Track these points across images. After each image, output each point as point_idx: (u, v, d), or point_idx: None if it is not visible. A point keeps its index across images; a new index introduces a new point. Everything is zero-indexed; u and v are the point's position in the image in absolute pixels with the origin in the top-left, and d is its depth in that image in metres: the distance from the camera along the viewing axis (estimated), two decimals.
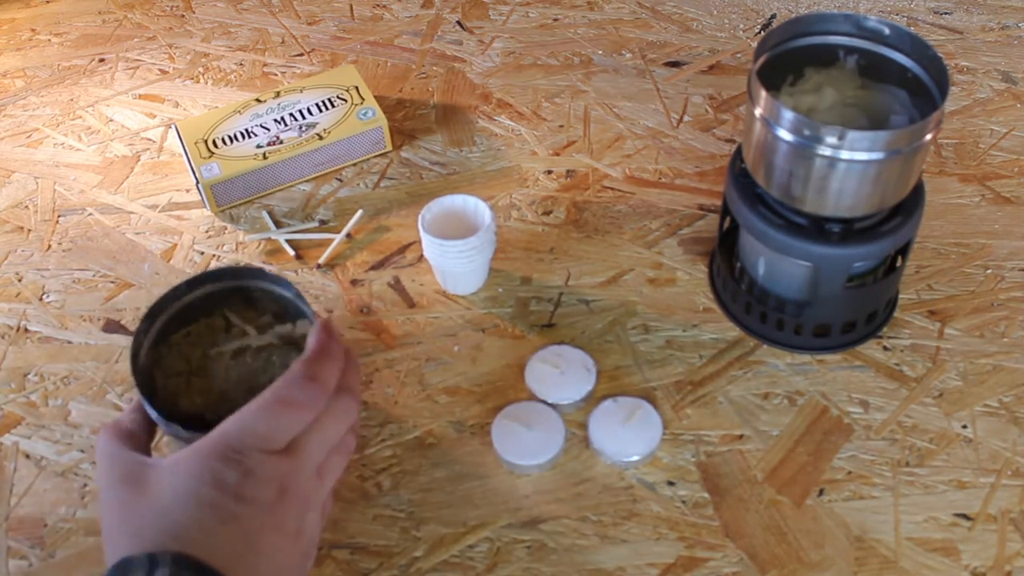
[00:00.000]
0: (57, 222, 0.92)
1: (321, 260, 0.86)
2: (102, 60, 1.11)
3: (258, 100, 0.97)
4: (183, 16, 1.18)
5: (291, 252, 0.87)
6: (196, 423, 0.59)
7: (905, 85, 0.70)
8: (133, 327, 0.82)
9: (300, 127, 0.94)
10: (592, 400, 0.74)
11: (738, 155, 0.75)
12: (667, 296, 0.82)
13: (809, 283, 0.74)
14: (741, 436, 0.72)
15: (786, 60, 0.72)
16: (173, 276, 0.86)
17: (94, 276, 0.87)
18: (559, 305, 0.82)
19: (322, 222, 0.90)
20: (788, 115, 0.65)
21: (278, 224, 0.90)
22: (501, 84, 1.04)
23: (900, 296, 0.80)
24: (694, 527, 0.67)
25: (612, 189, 0.91)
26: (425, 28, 1.13)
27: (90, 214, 0.93)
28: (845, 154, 0.64)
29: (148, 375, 0.62)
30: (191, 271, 0.87)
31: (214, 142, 0.93)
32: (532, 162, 0.95)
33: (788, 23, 0.72)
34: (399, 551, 0.67)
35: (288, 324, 0.64)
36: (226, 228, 0.91)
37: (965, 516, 0.67)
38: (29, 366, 0.80)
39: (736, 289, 0.78)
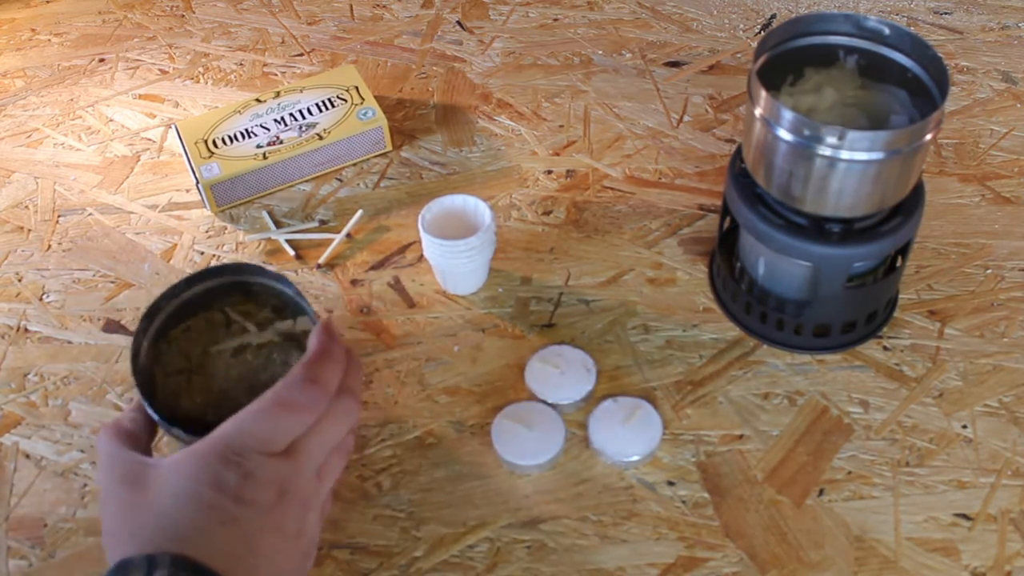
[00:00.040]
0: (57, 222, 0.92)
1: (321, 260, 0.86)
2: (102, 60, 1.11)
3: (258, 100, 0.97)
4: (183, 16, 1.18)
5: (291, 252, 0.87)
6: (197, 423, 0.59)
7: (905, 85, 0.70)
8: (133, 327, 0.82)
9: (300, 127, 0.94)
10: (592, 400, 0.74)
11: (738, 155, 0.75)
12: (667, 296, 0.82)
13: (809, 283, 0.74)
14: (741, 436, 0.72)
15: (786, 60, 0.72)
16: (173, 276, 0.86)
17: (94, 276, 0.87)
18: (559, 305, 0.82)
19: (322, 222, 0.90)
20: (788, 115, 0.65)
21: (278, 224, 0.90)
22: (501, 84, 1.04)
23: (900, 296, 0.80)
24: (694, 527, 0.67)
25: (612, 189, 0.91)
26: (425, 28, 1.13)
27: (90, 214, 0.93)
28: (845, 154, 0.64)
29: (148, 374, 0.62)
30: (191, 271, 0.87)
31: (214, 142, 0.93)
32: (532, 162, 0.95)
33: (788, 23, 0.72)
34: (399, 551, 0.67)
35: (288, 321, 0.64)
36: (226, 228, 0.91)
37: (965, 516, 0.67)
38: (29, 366, 0.80)
39: (736, 289, 0.78)
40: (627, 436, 0.71)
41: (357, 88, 0.98)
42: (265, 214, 0.91)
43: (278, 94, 0.98)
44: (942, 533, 0.66)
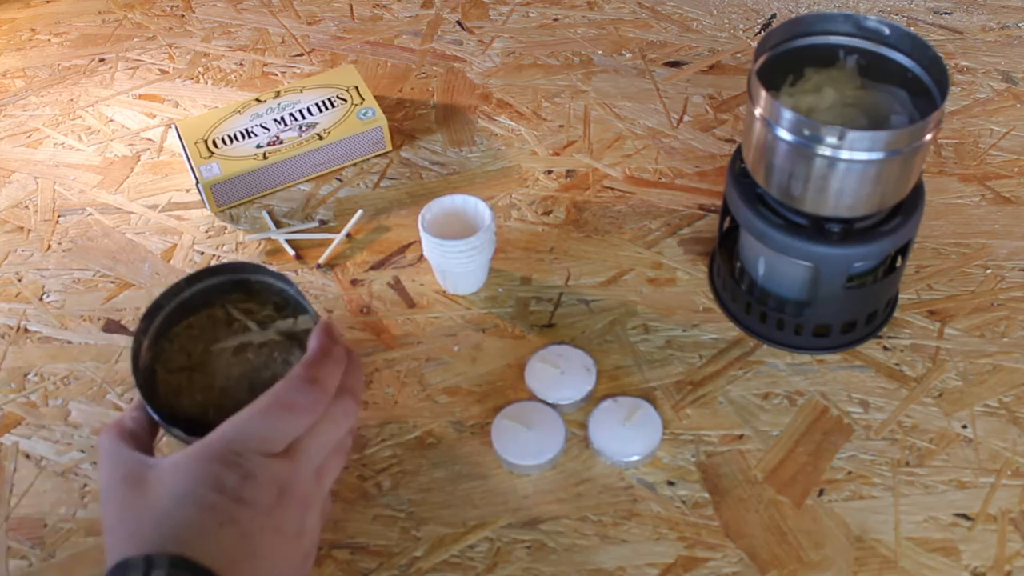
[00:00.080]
0: (57, 222, 0.92)
1: (321, 260, 0.86)
2: (102, 60, 1.11)
3: (258, 100, 0.97)
4: (183, 16, 1.18)
5: (291, 252, 0.87)
6: (197, 422, 0.59)
7: (905, 85, 0.70)
8: (133, 327, 0.82)
9: (300, 127, 0.94)
10: (592, 400, 0.74)
11: (738, 155, 0.75)
12: (667, 296, 0.82)
13: (809, 283, 0.74)
14: (741, 436, 0.72)
15: (786, 60, 0.72)
16: (173, 276, 0.86)
17: (94, 276, 0.87)
18: (559, 305, 0.82)
19: (322, 222, 0.90)
20: (788, 115, 0.65)
21: (278, 224, 0.90)
22: (501, 84, 1.04)
23: (900, 296, 0.80)
24: (694, 527, 0.67)
25: (612, 189, 0.91)
26: (425, 28, 1.13)
27: (90, 214, 0.93)
28: (845, 154, 0.64)
29: (150, 372, 0.62)
30: (191, 271, 0.87)
31: (214, 142, 0.93)
32: (532, 162, 0.95)
33: (788, 23, 0.72)
34: (399, 551, 0.67)
35: (289, 319, 0.64)
36: (226, 228, 0.91)
37: (965, 516, 0.67)
38: (29, 366, 0.80)
39: (736, 289, 0.78)
40: (627, 436, 0.71)
41: (357, 88, 0.98)
42: (265, 214, 0.91)
43: (278, 94, 0.98)
44: (942, 533, 0.66)
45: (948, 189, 0.89)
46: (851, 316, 0.75)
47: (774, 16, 1.12)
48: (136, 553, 0.49)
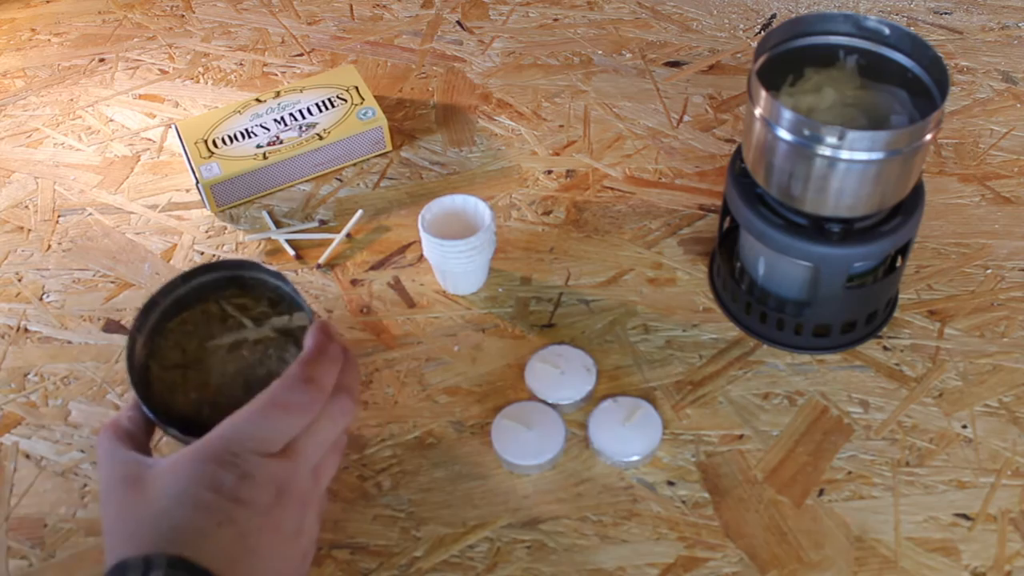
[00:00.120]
0: (57, 222, 0.92)
1: (321, 260, 0.86)
2: (102, 60, 1.11)
3: (258, 100, 0.97)
4: (183, 16, 1.18)
5: (291, 252, 0.87)
6: (192, 420, 0.59)
7: (905, 85, 0.70)
8: None
9: (300, 127, 0.94)
10: (592, 400, 0.74)
11: (738, 155, 0.75)
12: (667, 296, 0.82)
13: (809, 283, 0.74)
14: (741, 436, 0.72)
15: (786, 60, 0.72)
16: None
17: (94, 276, 0.87)
18: (559, 305, 0.82)
19: (322, 222, 0.90)
20: (788, 115, 0.65)
21: (278, 224, 0.90)
22: (501, 84, 1.04)
23: (900, 296, 0.80)
24: (694, 527, 0.67)
25: (612, 189, 0.91)
26: (425, 28, 1.13)
27: (90, 214, 0.93)
28: (845, 154, 0.64)
29: (144, 368, 0.62)
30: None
31: (214, 142, 0.93)
32: (532, 162, 0.95)
33: (788, 23, 0.72)
34: (399, 551, 0.67)
35: (284, 316, 0.64)
36: (226, 228, 0.91)
37: (965, 516, 0.67)
38: (29, 366, 0.80)
39: (736, 289, 0.78)
40: (627, 436, 0.71)
41: (357, 88, 0.98)
42: (265, 214, 0.91)
43: (278, 94, 0.98)
44: (942, 533, 0.66)
45: (948, 189, 0.89)
46: (851, 316, 0.75)
47: (774, 16, 1.12)
48: (135, 554, 0.49)
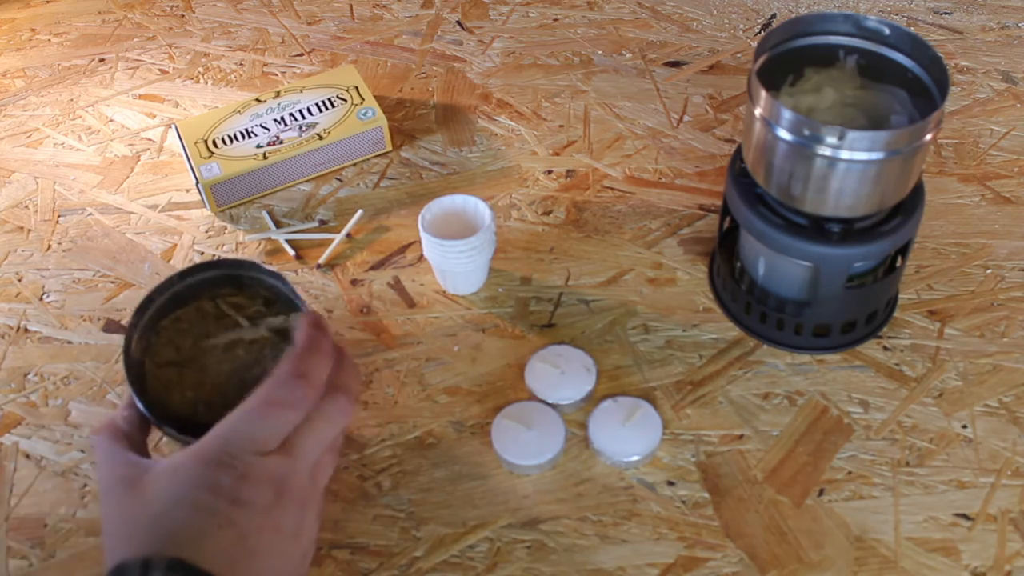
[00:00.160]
0: (57, 222, 0.92)
1: (321, 260, 0.86)
2: (102, 60, 1.11)
3: (258, 100, 0.97)
4: (183, 16, 1.18)
5: (291, 252, 0.87)
6: (189, 419, 0.59)
7: (905, 85, 0.70)
8: None
9: (300, 127, 0.94)
10: (592, 400, 0.74)
11: (738, 155, 0.75)
12: (667, 296, 0.82)
13: (809, 283, 0.74)
14: (741, 436, 0.72)
15: (786, 60, 0.72)
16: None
17: (94, 276, 0.87)
18: (559, 305, 0.82)
19: (322, 222, 0.90)
20: (788, 115, 0.65)
21: (278, 224, 0.90)
22: (501, 84, 1.04)
23: (900, 296, 0.80)
24: (694, 527, 0.67)
25: (612, 189, 0.91)
26: (425, 28, 1.13)
27: (90, 214, 0.93)
28: (845, 154, 0.64)
29: (139, 366, 0.61)
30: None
31: (214, 142, 0.93)
32: (532, 162, 0.95)
33: (788, 23, 0.72)
34: (399, 551, 0.67)
35: (280, 316, 0.64)
36: (226, 228, 0.91)
37: (965, 516, 0.67)
38: (29, 366, 0.80)
39: (736, 289, 0.78)
40: (627, 436, 0.71)
41: (357, 88, 0.98)
42: (265, 214, 0.91)
43: (278, 94, 0.98)
44: (942, 533, 0.66)
45: (948, 189, 0.89)
46: (851, 316, 0.75)
47: (774, 16, 1.12)
48: (134, 556, 0.49)
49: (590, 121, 0.99)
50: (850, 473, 0.70)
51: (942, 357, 0.76)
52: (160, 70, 1.09)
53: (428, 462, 0.72)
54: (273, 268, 0.84)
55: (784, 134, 0.66)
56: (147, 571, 0.48)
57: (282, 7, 1.18)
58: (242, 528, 0.51)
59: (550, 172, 0.94)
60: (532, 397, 0.75)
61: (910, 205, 0.71)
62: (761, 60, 0.71)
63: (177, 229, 0.91)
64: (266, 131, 0.94)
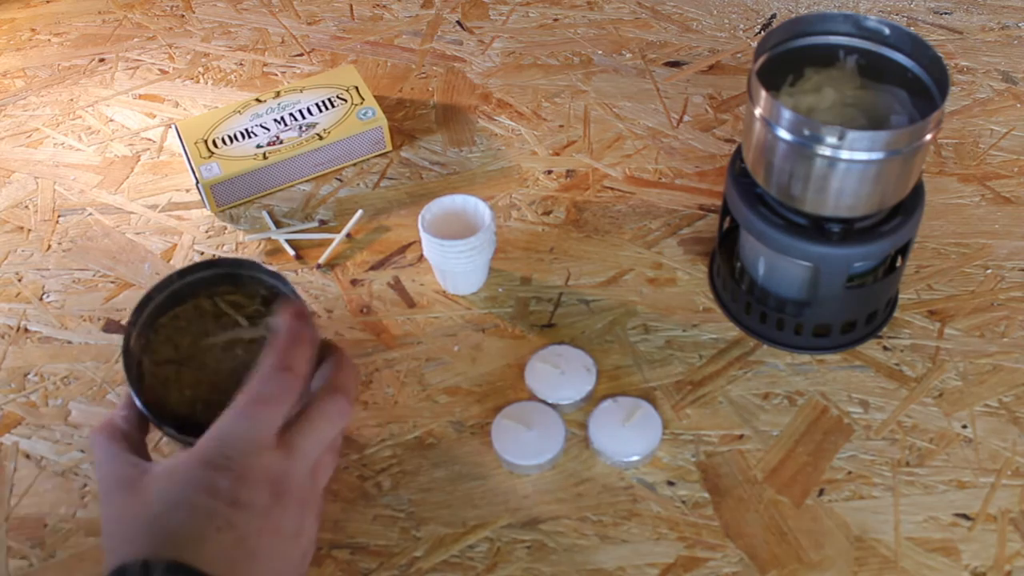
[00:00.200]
0: (57, 222, 0.92)
1: (321, 260, 0.86)
2: (102, 60, 1.11)
3: (258, 100, 0.97)
4: (183, 16, 1.18)
5: (291, 252, 0.87)
6: (187, 418, 0.59)
7: (905, 85, 0.70)
8: None
9: (300, 127, 0.94)
10: (592, 400, 0.74)
11: (738, 155, 0.75)
12: (667, 296, 0.82)
13: (809, 283, 0.74)
14: (741, 436, 0.72)
15: (786, 60, 0.72)
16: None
17: (94, 276, 0.87)
18: (559, 305, 0.82)
19: (322, 222, 0.90)
20: (788, 115, 0.65)
21: (278, 224, 0.90)
22: (501, 84, 1.04)
23: (900, 296, 0.80)
24: (694, 527, 0.67)
25: (612, 189, 0.91)
26: (425, 28, 1.13)
27: (90, 214, 0.93)
28: (845, 154, 0.64)
29: (138, 364, 0.61)
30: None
31: (214, 142, 0.93)
32: (532, 162, 0.95)
33: (788, 23, 0.72)
34: (399, 551, 0.67)
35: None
36: (226, 228, 0.91)
37: (965, 516, 0.67)
38: (29, 366, 0.80)
39: (736, 289, 0.78)
40: (627, 436, 0.71)
41: (357, 88, 0.98)
42: (265, 214, 0.91)
43: (278, 94, 0.98)
44: (942, 533, 0.66)
45: (948, 189, 0.89)
46: (851, 316, 0.75)
47: (774, 16, 1.12)
48: (133, 558, 0.49)
49: (590, 121, 0.99)
50: (850, 473, 0.70)
51: (942, 357, 0.76)
52: (160, 70, 1.09)
53: (428, 462, 0.72)
54: (273, 268, 0.84)
55: (784, 134, 0.66)
56: (147, 573, 0.48)
57: (282, 7, 1.18)
58: (242, 530, 0.51)
59: (550, 172, 0.94)
60: (532, 397, 0.75)
61: (910, 205, 0.71)
62: (761, 60, 0.71)
63: (177, 229, 0.91)
64: (266, 131, 0.94)
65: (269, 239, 0.89)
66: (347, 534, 0.68)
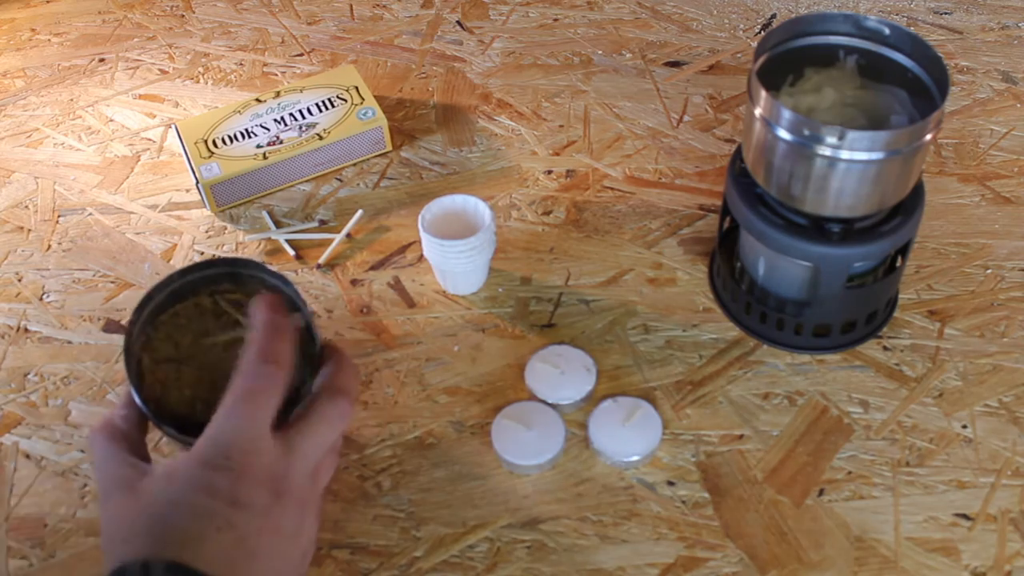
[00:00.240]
0: (57, 222, 0.92)
1: (321, 260, 0.86)
2: (102, 60, 1.11)
3: (258, 100, 0.97)
4: (183, 16, 1.18)
5: (291, 252, 0.87)
6: (187, 417, 0.59)
7: (905, 85, 0.70)
8: None
9: (300, 127, 0.94)
10: (592, 400, 0.74)
11: (738, 155, 0.75)
12: (667, 296, 0.82)
13: (809, 283, 0.74)
14: (741, 436, 0.72)
15: (786, 60, 0.72)
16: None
17: (94, 276, 0.87)
18: (559, 305, 0.82)
19: (322, 222, 0.90)
20: (788, 115, 0.65)
21: (278, 224, 0.90)
22: (501, 84, 1.04)
23: (900, 296, 0.80)
24: (694, 527, 0.67)
25: (612, 189, 0.91)
26: (425, 28, 1.13)
27: (90, 214, 0.93)
28: (845, 154, 0.64)
29: (138, 363, 0.61)
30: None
31: (214, 142, 0.93)
32: (532, 162, 0.95)
33: (788, 23, 0.72)
34: (399, 551, 0.67)
35: None
36: (226, 228, 0.91)
37: (965, 516, 0.67)
38: (29, 366, 0.80)
39: (736, 289, 0.78)
40: (627, 436, 0.71)
41: (357, 88, 0.98)
42: (265, 214, 0.91)
43: (278, 94, 0.98)
44: (942, 533, 0.66)
45: (948, 189, 0.89)
46: (851, 316, 0.75)
47: (774, 16, 1.12)
48: (133, 558, 0.49)
49: (590, 121, 0.99)
50: (850, 473, 0.70)
51: (942, 357, 0.76)
52: (160, 70, 1.09)
53: (428, 462, 0.72)
54: (274, 268, 0.84)
55: (784, 134, 0.66)
56: (146, 573, 0.48)
57: (282, 7, 1.18)
58: (241, 530, 0.51)
59: (550, 172, 0.94)
60: (532, 397, 0.75)
61: (910, 205, 0.71)
62: (761, 60, 0.71)
63: (177, 229, 0.91)
64: (266, 131, 0.94)
65: (269, 239, 0.89)
66: (347, 534, 0.68)
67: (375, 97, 0.97)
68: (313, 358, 0.60)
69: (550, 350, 0.77)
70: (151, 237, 0.90)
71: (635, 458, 0.70)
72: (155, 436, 0.71)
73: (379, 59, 1.09)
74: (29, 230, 0.92)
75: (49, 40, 1.15)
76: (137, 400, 0.58)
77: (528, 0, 1.15)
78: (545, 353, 0.77)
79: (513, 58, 1.07)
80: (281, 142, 0.93)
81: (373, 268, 0.86)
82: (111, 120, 1.03)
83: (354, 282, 0.85)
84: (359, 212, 0.90)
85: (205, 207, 0.92)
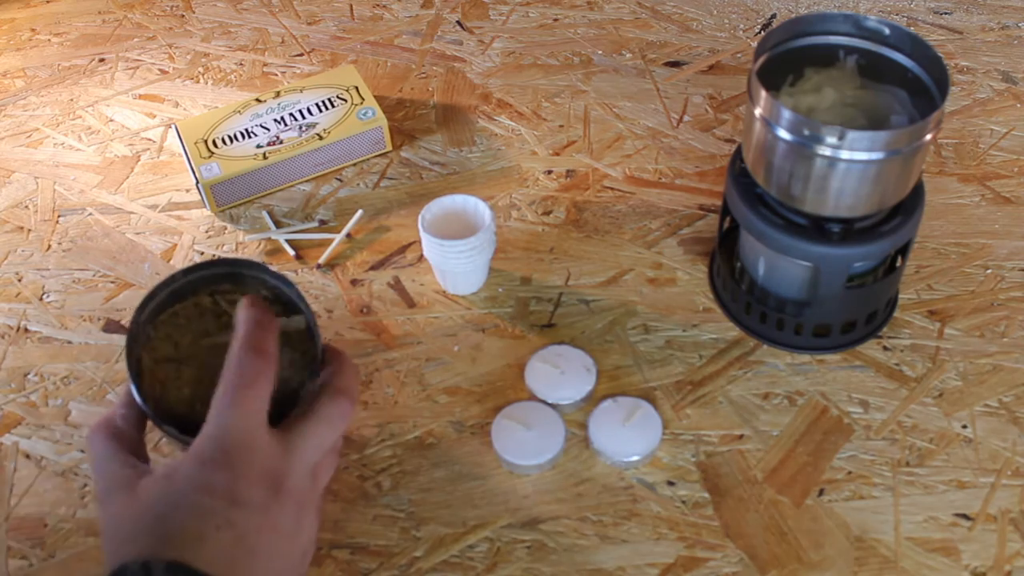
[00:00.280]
0: (57, 222, 0.92)
1: (321, 260, 0.86)
2: (102, 60, 1.11)
3: (258, 100, 0.97)
4: (183, 16, 1.18)
5: (291, 252, 0.87)
6: (185, 417, 0.59)
7: (905, 85, 0.70)
8: None
9: (300, 127, 0.94)
10: (592, 400, 0.74)
11: (738, 155, 0.75)
12: (667, 296, 0.82)
13: (809, 283, 0.74)
14: (741, 436, 0.72)
15: (786, 60, 0.72)
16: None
17: (94, 276, 0.87)
18: (559, 305, 0.82)
19: (322, 222, 0.90)
20: (788, 115, 0.65)
21: (278, 224, 0.90)
22: (501, 84, 1.04)
23: (900, 296, 0.80)
24: (694, 527, 0.67)
25: (612, 189, 0.91)
26: (425, 28, 1.13)
27: (90, 214, 0.93)
28: (845, 154, 0.64)
29: (138, 362, 0.61)
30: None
31: (214, 142, 0.93)
32: (532, 162, 0.95)
33: (788, 23, 0.72)
34: (399, 551, 0.67)
35: (281, 318, 0.64)
36: (226, 228, 0.91)
37: (965, 516, 0.67)
38: (29, 366, 0.80)
39: (736, 289, 0.78)
40: (627, 436, 0.71)
41: (357, 88, 0.98)
42: (265, 214, 0.91)
43: (278, 94, 0.98)
44: (942, 533, 0.66)
45: (948, 189, 0.89)
46: (851, 316, 0.75)
47: (774, 16, 1.12)
48: (134, 558, 0.49)
49: (590, 121, 0.99)
50: (850, 473, 0.70)
51: (942, 357, 0.76)
52: (160, 70, 1.09)
53: (428, 462, 0.72)
54: (274, 268, 0.84)
55: (784, 134, 0.66)
56: (147, 573, 0.48)
57: (282, 7, 1.18)
58: (240, 528, 0.51)
59: (550, 172, 0.94)
60: (532, 397, 0.75)
61: (910, 205, 0.71)
62: (761, 60, 0.71)
63: (177, 229, 0.91)
64: (266, 131, 0.94)
65: (269, 239, 0.89)
66: (347, 534, 0.68)
67: (375, 97, 0.97)
68: (314, 359, 0.60)
69: (550, 350, 0.77)
70: (151, 237, 0.90)
71: (635, 458, 0.70)
72: (154, 436, 0.71)
73: (379, 59, 1.09)
74: (29, 230, 0.92)
75: (49, 40, 1.15)
76: (137, 399, 0.58)
77: (528, 0, 1.15)
78: (545, 353, 0.77)
79: (513, 58, 1.07)
80: (281, 142, 0.93)
81: (373, 268, 0.86)
82: (111, 120, 1.03)
83: (354, 282, 0.85)
84: (359, 212, 0.90)
85: (205, 207, 0.92)
